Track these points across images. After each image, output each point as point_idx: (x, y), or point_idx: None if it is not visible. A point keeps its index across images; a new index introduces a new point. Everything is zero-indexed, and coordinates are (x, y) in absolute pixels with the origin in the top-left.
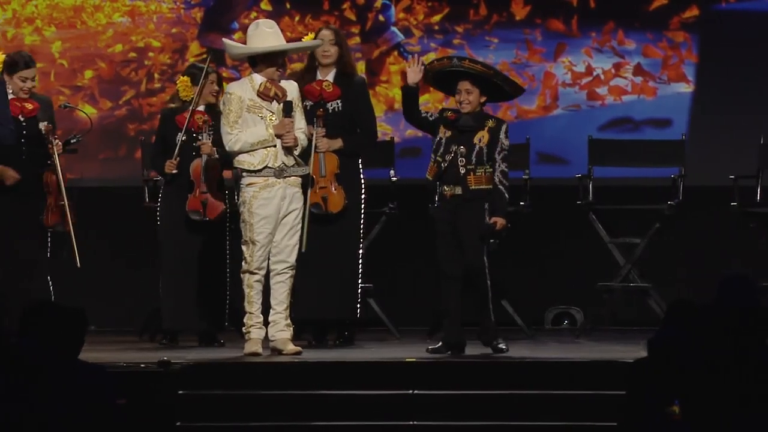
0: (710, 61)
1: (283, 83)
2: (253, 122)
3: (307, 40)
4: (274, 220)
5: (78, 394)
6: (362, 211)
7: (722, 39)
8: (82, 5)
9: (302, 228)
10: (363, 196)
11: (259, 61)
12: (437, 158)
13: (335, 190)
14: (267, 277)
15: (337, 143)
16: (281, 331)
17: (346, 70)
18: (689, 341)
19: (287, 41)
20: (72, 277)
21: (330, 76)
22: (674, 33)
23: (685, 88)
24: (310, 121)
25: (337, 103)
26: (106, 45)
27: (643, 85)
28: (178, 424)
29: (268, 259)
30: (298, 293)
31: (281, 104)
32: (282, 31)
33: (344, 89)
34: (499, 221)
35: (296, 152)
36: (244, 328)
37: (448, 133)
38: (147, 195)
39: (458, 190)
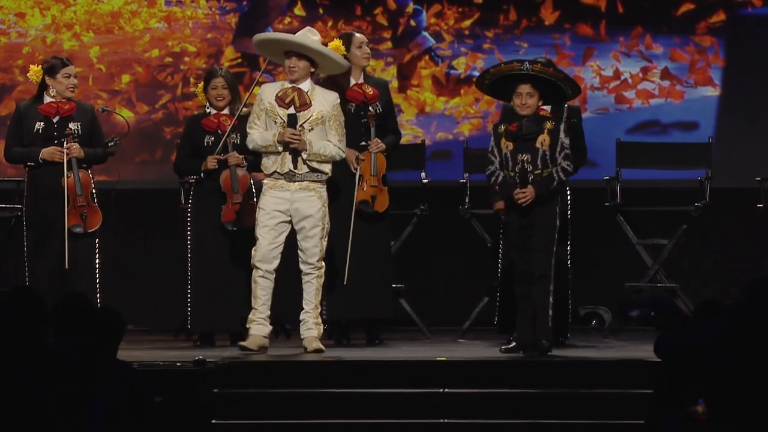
0: (736, 65)
1: (324, 93)
2: (270, 125)
3: (333, 45)
4: (279, 220)
5: (115, 392)
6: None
7: (748, 43)
8: (120, 11)
9: (349, 230)
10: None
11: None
12: (509, 173)
13: (382, 190)
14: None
15: (383, 145)
16: (308, 329)
17: (368, 72)
18: (714, 342)
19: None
20: (109, 278)
21: (360, 79)
22: (701, 37)
23: (712, 92)
24: (357, 124)
25: (377, 105)
26: (143, 50)
27: (670, 89)
28: (213, 421)
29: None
30: (333, 294)
31: (287, 114)
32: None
33: (378, 91)
34: (528, 191)
35: (304, 155)
36: (247, 323)
37: (511, 146)
38: (183, 197)
39: None
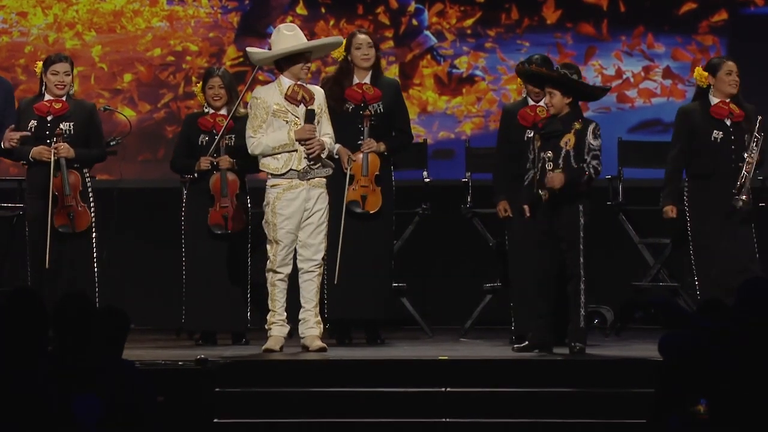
0: (738, 65)
1: (314, 88)
2: (278, 126)
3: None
4: (296, 220)
5: (117, 391)
6: (393, 212)
7: (750, 43)
8: (122, 10)
9: (340, 229)
10: (393, 198)
11: (284, 63)
12: (534, 169)
13: (374, 190)
14: (295, 277)
15: (381, 146)
16: (310, 328)
17: (380, 72)
18: (715, 341)
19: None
20: (111, 276)
21: (367, 79)
22: (703, 37)
23: None
24: (354, 124)
25: (379, 105)
26: (144, 49)
27: (672, 88)
28: (215, 420)
29: (295, 258)
30: (334, 293)
31: (305, 110)
32: (316, 34)
33: (383, 91)
34: (556, 177)
35: (323, 154)
36: (266, 325)
37: (539, 143)
38: (184, 196)
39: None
